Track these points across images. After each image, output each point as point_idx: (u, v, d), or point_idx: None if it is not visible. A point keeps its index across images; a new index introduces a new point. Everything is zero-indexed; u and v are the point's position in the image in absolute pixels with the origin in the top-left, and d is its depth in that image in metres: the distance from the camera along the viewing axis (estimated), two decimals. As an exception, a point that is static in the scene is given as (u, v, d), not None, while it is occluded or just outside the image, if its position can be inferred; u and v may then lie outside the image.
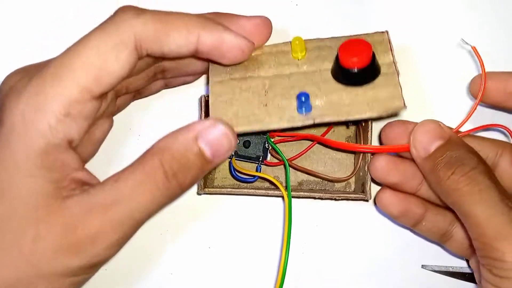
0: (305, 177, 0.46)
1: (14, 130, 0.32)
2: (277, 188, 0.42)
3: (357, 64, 0.37)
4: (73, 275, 0.32)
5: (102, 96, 0.34)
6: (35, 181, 0.31)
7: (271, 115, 0.38)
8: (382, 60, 0.38)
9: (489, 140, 0.40)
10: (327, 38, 0.40)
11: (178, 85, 0.45)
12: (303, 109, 0.37)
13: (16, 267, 0.31)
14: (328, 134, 0.45)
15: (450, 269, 0.45)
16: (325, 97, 0.38)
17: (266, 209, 0.46)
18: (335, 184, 0.46)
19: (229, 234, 0.46)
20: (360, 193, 0.42)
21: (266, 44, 0.40)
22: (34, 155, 0.31)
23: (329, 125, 0.45)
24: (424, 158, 0.37)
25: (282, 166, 0.45)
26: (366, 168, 0.41)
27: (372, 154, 0.41)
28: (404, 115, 0.40)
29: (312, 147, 0.45)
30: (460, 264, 0.45)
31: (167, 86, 0.45)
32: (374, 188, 0.43)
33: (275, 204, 0.46)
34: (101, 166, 0.46)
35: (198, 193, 0.43)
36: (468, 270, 0.44)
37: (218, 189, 0.43)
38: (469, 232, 0.35)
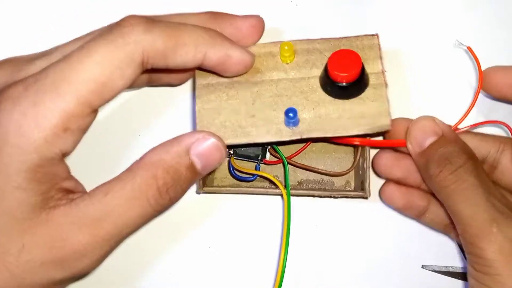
0: (304, 176, 0.46)
1: (8, 141, 0.31)
2: (276, 187, 0.42)
3: (346, 79, 0.37)
4: (56, 285, 0.32)
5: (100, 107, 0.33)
6: (23, 194, 0.31)
7: (258, 127, 0.38)
8: (371, 68, 0.39)
9: (491, 136, 0.41)
10: (317, 40, 0.40)
11: (162, 86, 0.45)
12: (291, 123, 0.37)
13: (0, 278, 0.31)
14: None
15: (450, 269, 0.44)
16: (313, 110, 0.38)
17: (266, 208, 0.46)
18: (335, 183, 0.46)
19: (228, 233, 0.46)
20: (359, 190, 0.42)
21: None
22: (26, 169, 0.31)
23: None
24: (418, 154, 0.38)
25: (281, 165, 0.45)
26: (365, 165, 0.41)
27: (371, 147, 0.42)
28: (406, 114, 0.41)
29: (309, 144, 0.45)
30: (460, 264, 0.45)
31: (150, 84, 0.44)
32: (374, 186, 0.43)
33: (275, 204, 0.46)
34: (101, 166, 0.46)
35: (197, 193, 0.43)
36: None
37: (217, 188, 0.43)
38: (457, 229, 0.36)
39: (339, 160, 0.46)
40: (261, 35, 0.40)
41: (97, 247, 0.31)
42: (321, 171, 0.44)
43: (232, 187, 0.45)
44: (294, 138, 0.37)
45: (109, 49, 0.32)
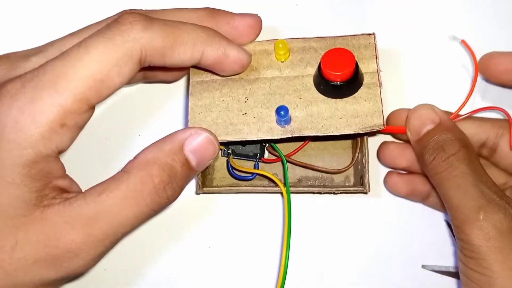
0: (303, 173, 0.46)
1: (4, 137, 0.31)
2: (276, 185, 0.42)
3: (339, 78, 0.37)
4: (48, 285, 0.32)
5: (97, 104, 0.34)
6: (17, 190, 0.31)
7: (250, 125, 0.38)
8: (366, 67, 0.39)
9: (490, 121, 0.41)
10: (313, 38, 0.40)
11: (157, 82, 0.46)
12: (282, 122, 0.37)
13: None
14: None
15: (450, 269, 0.44)
16: (305, 109, 0.38)
17: (266, 207, 0.46)
18: (334, 179, 0.46)
19: (228, 233, 0.46)
20: (359, 186, 0.42)
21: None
22: (21, 165, 0.31)
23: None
24: (415, 141, 0.39)
25: (280, 163, 0.45)
26: (364, 161, 0.41)
27: (371, 135, 0.43)
28: (407, 104, 0.42)
29: (307, 143, 0.45)
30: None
31: (145, 80, 0.44)
32: (373, 181, 0.43)
33: (275, 202, 0.46)
34: (101, 166, 0.46)
35: (197, 193, 0.43)
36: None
37: (216, 188, 0.44)
38: (448, 214, 0.37)
39: (338, 156, 0.46)
40: (258, 34, 0.40)
41: (91, 246, 0.31)
42: (320, 169, 0.44)
43: (232, 186, 0.45)
44: (285, 136, 0.38)
45: (108, 47, 0.32)
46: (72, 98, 0.31)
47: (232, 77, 0.40)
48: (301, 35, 0.41)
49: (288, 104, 0.38)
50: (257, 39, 0.40)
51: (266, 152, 0.45)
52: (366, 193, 0.41)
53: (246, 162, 0.45)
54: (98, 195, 0.32)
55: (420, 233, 0.45)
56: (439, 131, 0.38)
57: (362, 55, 0.39)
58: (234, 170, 0.44)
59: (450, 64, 0.47)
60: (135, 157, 0.34)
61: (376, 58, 0.39)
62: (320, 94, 0.38)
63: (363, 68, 0.38)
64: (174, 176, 0.33)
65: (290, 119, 0.37)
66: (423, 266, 0.45)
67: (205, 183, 0.44)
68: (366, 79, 0.38)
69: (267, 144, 0.44)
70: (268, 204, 0.46)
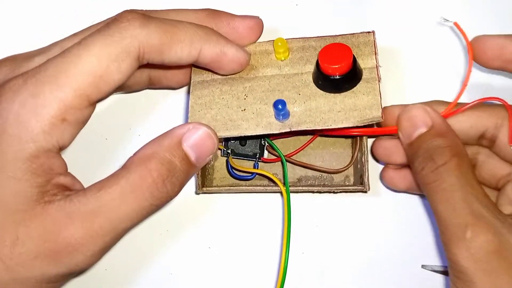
0: (303, 173, 0.46)
1: (6, 131, 0.31)
2: (275, 184, 0.42)
3: (337, 71, 0.37)
4: (50, 282, 0.32)
5: (98, 101, 0.34)
6: (19, 184, 0.31)
7: (249, 120, 0.38)
8: (365, 63, 0.39)
9: (489, 110, 0.39)
10: (312, 38, 0.40)
11: (162, 89, 0.46)
12: (280, 116, 0.37)
13: None
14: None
15: (450, 269, 0.44)
16: (303, 104, 0.38)
17: (266, 206, 0.46)
18: (334, 178, 0.46)
19: (228, 233, 0.46)
20: (359, 185, 0.42)
21: None
22: (22, 159, 0.31)
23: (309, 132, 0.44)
24: (407, 145, 0.38)
25: (280, 162, 0.46)
26: (363, 159, 0.41)
27: (368, 137, 0.42)
28: (403, 100, 0.41)
29: (311, 141, 0.45)
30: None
31: (151, 86, 0.44)
32: (373, 180, 0.43)
33: (274, 201, 0.46)
34: (101, 166, 0.46)
35: (197, 193, 0.43)
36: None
37: (216, 188, 0.44)
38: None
39: (337, 155, 0.46)
40: (259, 36, 0.40)
41: (91, 241, 0.31)
42: (320, 168, 0.44)
43: (231, 186, 0.45)
44: (283, 131, 0.38)
45: (106, 43, 0.32)
46: (73, 93, 0.32)
47: (232, 76, 0.40)
48: (301, 35, 0.41)
49: (286, 99, 0.38)
50: (258, 40, 0.41)
51: (266, 152, 0.45)
52: (365, 192, 0.41)
53: (245, 162, 0.45)
54: (98, 191, 0.32)
55: (420, 232, 0.45)
56: (430, 136, 0.36)
57: (361, 51, 0.39)
58: (233, 170, 0.44)
59: (450, 63, 0.47)
60: (134, 154, 0.34)
61: (375, 54, 0.39)
62: (319, 89, 0.38)
63: (362, 64, 0.39)
64: (173, 170, 0.33)
65: (289, 114, 0.38)
66: (423, 266, 0.45)
67: (205, 183, 0.44)
68: (365, 74, 0.38)
69: (267, 144, 0.44)
70: (268, 204, 0.46)
